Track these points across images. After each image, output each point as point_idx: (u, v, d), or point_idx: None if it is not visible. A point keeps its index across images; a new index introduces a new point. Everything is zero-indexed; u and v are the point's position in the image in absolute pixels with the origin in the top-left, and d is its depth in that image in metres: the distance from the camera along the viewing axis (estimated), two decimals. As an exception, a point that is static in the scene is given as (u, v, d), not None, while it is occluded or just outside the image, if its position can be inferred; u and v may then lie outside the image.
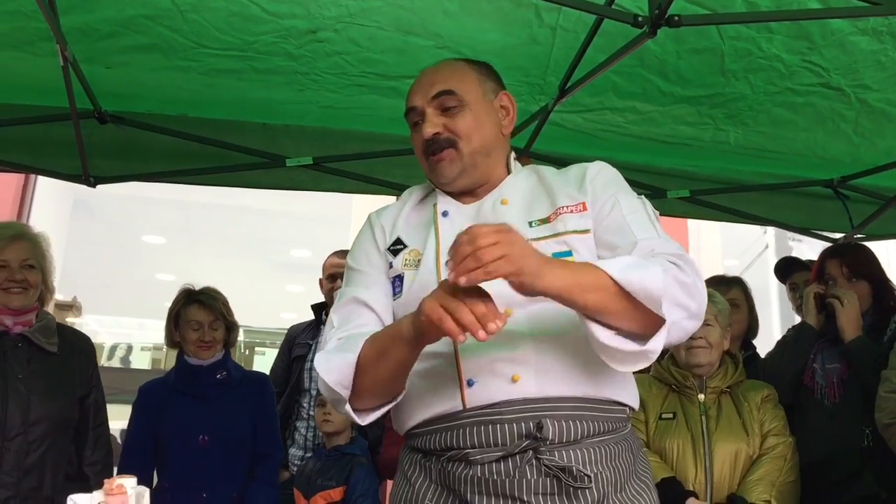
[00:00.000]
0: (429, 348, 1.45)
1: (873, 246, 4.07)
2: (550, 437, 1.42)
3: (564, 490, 1.41)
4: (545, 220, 1.56)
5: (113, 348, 8.92)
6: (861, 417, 2.70)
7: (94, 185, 3.45)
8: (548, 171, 1.68)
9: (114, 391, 4.23)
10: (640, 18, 2.23)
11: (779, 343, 3.27)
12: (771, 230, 11.15)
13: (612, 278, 1.32)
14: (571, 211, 1.55)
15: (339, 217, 7.30)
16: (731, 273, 3.90)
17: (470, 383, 1.46)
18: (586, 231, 1.53)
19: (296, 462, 3.44)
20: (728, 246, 10.63)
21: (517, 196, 1.61)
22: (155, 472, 3.04)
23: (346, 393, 1.44)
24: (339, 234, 6.80)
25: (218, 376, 3.09)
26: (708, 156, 3.59)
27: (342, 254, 3.69)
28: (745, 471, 2.66)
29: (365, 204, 7.73)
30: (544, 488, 1.42)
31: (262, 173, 3.54)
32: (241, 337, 10.90)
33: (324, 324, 3.61)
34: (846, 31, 2.69)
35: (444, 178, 1.61)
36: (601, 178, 1.61)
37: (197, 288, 3.19)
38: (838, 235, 4.05)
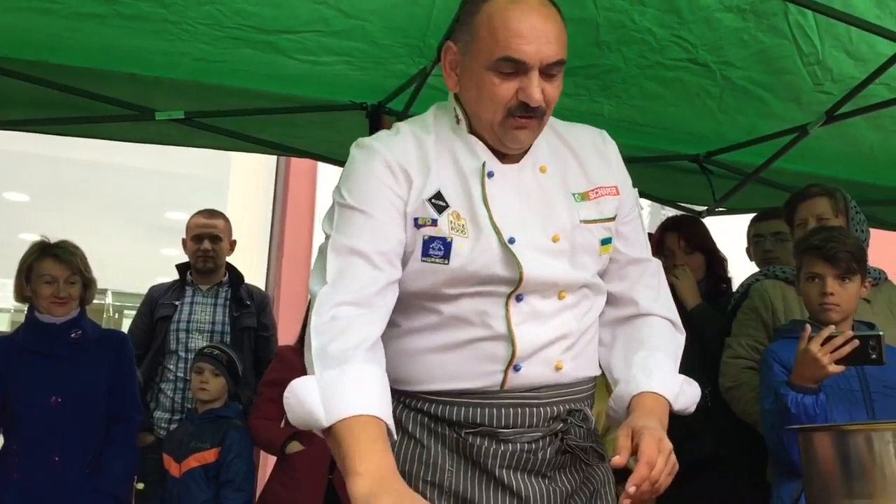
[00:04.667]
0: (475, 320, 1.41)
1: (733, 219, 4.30)
2: (587, 421, 1.51)
3: (575, 462, 1.48)
4: (585, 196, 1.49)
5: (-31, 310, 8.45)
6: (700, 379, 2.84)
7: (-60, 132, 3.23)
8: (557, 125, 1.57)
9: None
10: (515, -18, 2.24)
11: None
12: (646, 206, 11.55)
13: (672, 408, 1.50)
14: (609, 193, 1.51)
15: (218, 178, 7.09)
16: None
17: (517, 368, 1.42)
18: (615, 218, 1.53)
19: (163, 426, 3.36)
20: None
21: (550, 161, 1.51)
22: (2, 435, 2.91)
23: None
24: (217, 196, 6.61)
25: (72, 335, 2.95)
26: (583, 127, 3.67)
27: (208, 213, 3.59)
28: (605, 430, 2.76)
29: (244, 165, 7.54)
30: (563, 463, 1.47)
31: (130, 126, 3.40)
32: (109, 300, 10.44)
33: (188, 284, 3.53)
34: (712, 7, 2.79)
35: (519, 146, 1.46)
36: (622, 166, 1.58)
37: (52, 241, 3.04)
38: (701, 208, 4.24)
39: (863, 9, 2.77)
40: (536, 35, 1.37)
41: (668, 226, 3.27)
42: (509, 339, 1.41)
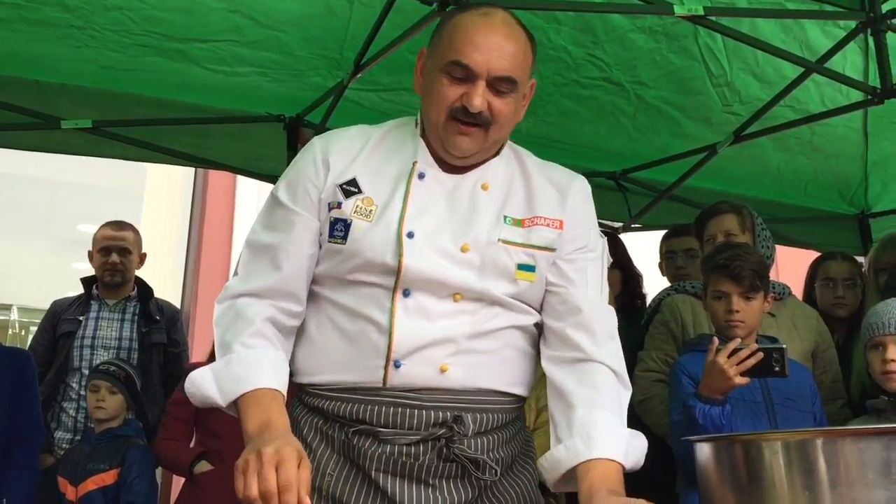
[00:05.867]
0: (364, 311, 1.43)
1: (648, 235, 4.39)
2: (466, 429, 1.44)
3: (467, 475, 1.44)
4: (519, 222, 1.50)
5: None
6: None
7: None
8: (531, 158, 1.60)
9: None
10: (429, -4, 2.25)
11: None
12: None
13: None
14: (548, 225, 1.51)
15: (132, 190, 6.90)
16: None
17: (397, 364, 1.41)
18: (552, 250, 1.51)
19: (64, 446, 3.21)
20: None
21: (497, 181, 1.52)
22: None
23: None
24: (132, 209, 6.44)
25: (-30, 353, 2.82)
26: (501, 143, 3.70)
27: (115, 225, 3.47)
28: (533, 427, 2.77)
29: (159, 177, 7.36)
30: (449, 472, 1.44)
31: (35, 135, 3.26)
32: (15, 316, 10.01)
33: (94, 299, 3.41)
34: (626, 28, 2.86)
35: (458, 152, 1.47)
36: (584, 208, 1.58)
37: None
38: (618, 225, 4.31)
39: (769, 33, 2.88)
40: (490, 47, 1.43)
41: None
42: (388, 331, 1.42)
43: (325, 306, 1.49)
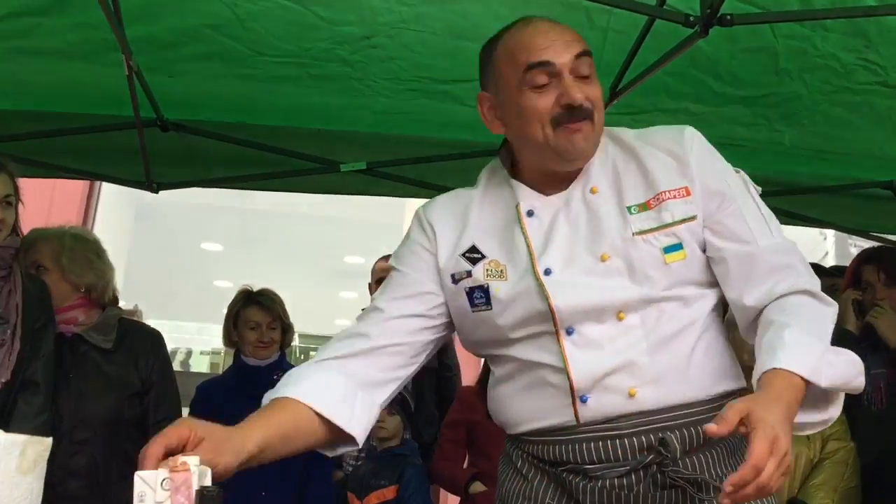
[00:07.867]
0: (536, 360, 1.42)
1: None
2: (674, 450, 1.35)
3: (689, 499, 1.35)
4: (645, 206, 1.42)
5: (173, 352, 9.22)
6: None
7: (156, 191, 3.57)
8: (628, 137, 1.51)
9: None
10: (691, 18, 2.23)
11: None
12: (831, 237, 10.95)
13: (818, 385, 1.26)
14: (675, 196, 1.42)
15: (392, 223, 7.38)
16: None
17: (583, 399, 1.38)
18: (692, 218, 1.42)
19: (350, 462, 3.49)
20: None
21: (605, 178, 1.46)
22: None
23: None
24: (392, 241, 6.84)
25: (274, 377, 3.12)
26: (763, 157, 3.55)
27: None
28: (806, 475, 2.64)
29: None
30: (668, 499, 1.36)
31: (317, 178, 3.62)
32: (295, 342, 11.01)
33: (375, 328, 3.68)
34: (904, 27, 2.66)
35: (577, 154, 1.41)
36: (704, 161, 1.46)
37: (255, 289, 3.28)
38: (898, 238, 3.98)
39: None
40: (552, 40, 1.40)
41: (865, 257, 3.08)
42: (565, 370, 1.39)
43: (501, 363, 1.50)
